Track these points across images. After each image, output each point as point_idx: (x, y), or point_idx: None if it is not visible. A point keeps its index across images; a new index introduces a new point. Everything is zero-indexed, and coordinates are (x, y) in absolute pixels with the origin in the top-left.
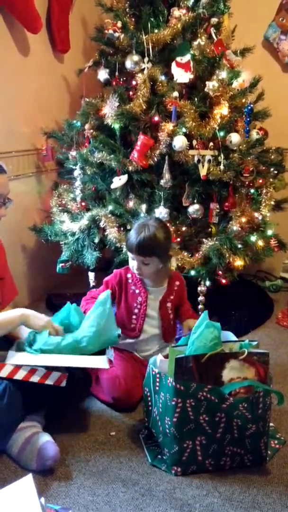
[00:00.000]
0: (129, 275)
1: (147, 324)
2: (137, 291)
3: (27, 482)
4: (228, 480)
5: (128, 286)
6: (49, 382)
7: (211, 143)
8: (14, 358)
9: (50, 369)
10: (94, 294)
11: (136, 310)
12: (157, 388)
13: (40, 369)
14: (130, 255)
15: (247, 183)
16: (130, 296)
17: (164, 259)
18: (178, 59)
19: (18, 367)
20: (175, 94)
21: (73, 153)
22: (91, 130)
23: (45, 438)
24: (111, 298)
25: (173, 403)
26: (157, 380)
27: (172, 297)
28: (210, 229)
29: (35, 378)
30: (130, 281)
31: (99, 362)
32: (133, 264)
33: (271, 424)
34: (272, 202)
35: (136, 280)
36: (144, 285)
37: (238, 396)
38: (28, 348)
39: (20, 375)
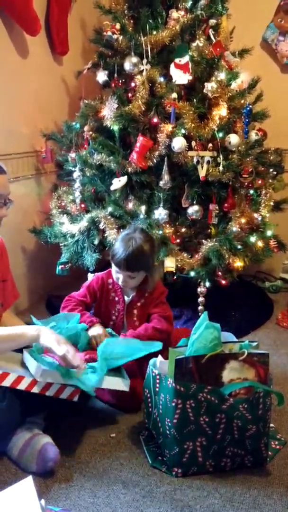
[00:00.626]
0: (110, 281)
1: (124, 331)
2: (116, 298)
3: (27, 484)
4: (229, 481)
5: (108, 292)
6: (63, 396)
7: (210, 144)
8: (42, 373)
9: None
10: (74, 298)
11: (114, 317)
12: (157, 389)
13: (55, 385)
14: (115, 268)
15: (246, 184)
16: (110, 303)
17: (150, 271)
18: (177, 60)
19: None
20: (174, 95)
21: (72, 155)
22: (90, 132)
23: (46, 440)
24: (91, 301)
25: (173, 404)
26: (157, 381)
27: (139, 304)
28: (209, 230)
29: (50, 393)
30: (110, 287)
31: (119, 384)
32: (117, 276)
33: (271, 425)
34: (272, 203)
35: (117, 287)
36: (123, 293)
37: (238, 397)
38: (45, 358)
39: (36, 389)
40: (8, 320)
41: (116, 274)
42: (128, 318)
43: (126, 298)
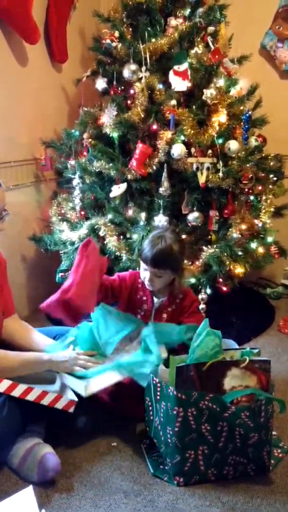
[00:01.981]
0: (140, 280)
1: None
2: (144, 298)
3: (28, 493)
4: (231, 490)
5: (137, 290)
6: (58, 406)
7: (210, 151)
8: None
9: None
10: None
11: (139, 316)
12: (158, 397)
13: (51, 392)
14: (143, 265)
15: (246, 190)
16: (137, 301)
17: (177, 272)
18: (176, 67)
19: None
20: (173, 102)
21: (72, 162)
22: (90, 139)
23: (46, 449)
24: (117, 287)
25: (175, 412)
26: (158, 389)
27: (170, 309)
28: (210, 237)
29: (45, 401)
30: (140, 285)
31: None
32: (145, 275)
33: (273, 432)
34: (272, 209)
35: (146, 287)
36: (153, 294)
37: (240, 405)
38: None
39: (31, 397)
40: (12, 325)
41: (143, 273)
42: (156, 321)
43: (155, 299)
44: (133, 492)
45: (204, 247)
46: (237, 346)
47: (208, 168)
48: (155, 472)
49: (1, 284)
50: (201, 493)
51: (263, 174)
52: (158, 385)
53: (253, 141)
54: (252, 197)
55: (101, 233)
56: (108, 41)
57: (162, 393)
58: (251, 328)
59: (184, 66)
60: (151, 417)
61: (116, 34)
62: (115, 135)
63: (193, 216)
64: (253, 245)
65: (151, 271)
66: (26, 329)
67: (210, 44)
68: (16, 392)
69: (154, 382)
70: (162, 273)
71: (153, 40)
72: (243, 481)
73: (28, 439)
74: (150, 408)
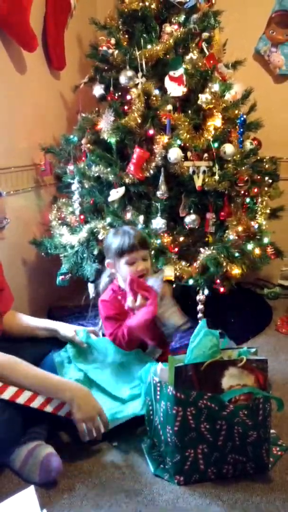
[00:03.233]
0: (119, 291)
1: None
2: (123, 301)
3: (29, 494)
4: (231, 488)
5: (121, 305)
6: (61, 413)
7: (206, 154)
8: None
9: None
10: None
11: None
12: (158, 397)
13: (55, 399)
14: (128, 258)
15: (242, 192)
16: (126, 313)
17: (150, 253)
18: (171, 73)
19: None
20: (169, 107)
21: (70, 167)
22: (88, 145)
23: (48, 450)
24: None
25: (174, 411)
26: (158, 389)
27: None
28: (207, 239)
29: (48, 409)
30: (120, 297)
31: None
32: (132, 268)
33: (272, 431)
34: (268, 211)
35: (122, 293)
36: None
37: (238, 403)
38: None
39: (36, 404)
40: (12, 321)
41: (130, 267)
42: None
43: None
44: (134, 492)
45: (201, 249)
46: (233, 345)
47: (204, 172)
48: (155, 471)
49: (1, 284)
50: (201, 492)
51: (258, 177)
52: (158, 384)
53: (248, 145)
54: (248, 200)
55: (100, 237)
56: (104, 48)
57: (162, 392)
58: (249, 328)
59: (179, 72)
60: (151, 417)
61: (113, 41)
62: (112, 140)
63: (190, 219)
64: (250, 246)
65: (139, 256)
66: (18, 316)
67: (205, 49)
68: (21, 399)
69: (154, 381)
70: (147, 255)
71: (149, 46)
72: (242, 479)
73: (29, 440)
74: (150, 407)
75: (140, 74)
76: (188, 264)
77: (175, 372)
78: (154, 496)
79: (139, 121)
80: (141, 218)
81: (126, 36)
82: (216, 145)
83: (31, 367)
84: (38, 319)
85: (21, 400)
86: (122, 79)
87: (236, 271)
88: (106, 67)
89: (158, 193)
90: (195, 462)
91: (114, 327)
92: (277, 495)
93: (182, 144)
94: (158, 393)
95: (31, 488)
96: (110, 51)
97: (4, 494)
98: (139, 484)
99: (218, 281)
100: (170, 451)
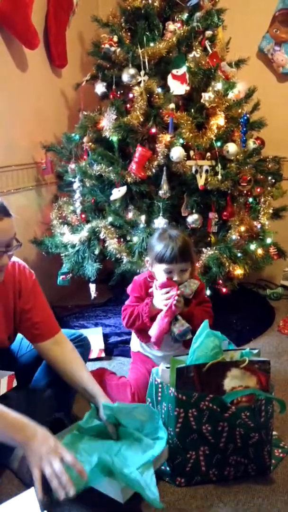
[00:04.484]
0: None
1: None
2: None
3: (30, 495)
4: (233, 490)
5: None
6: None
7: (208, 154)
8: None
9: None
10: (130, 306)
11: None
12: (159, 398)
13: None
14: (166, 268)
15: (245, 192)
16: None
17: (193, 263)
18: (174, 71)
19: None
20: (172, 106)
21: (72, 166)
22: (90, 143)
23: None
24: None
25: (175, 413)
26: (159, 390)
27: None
28: (209, 239)
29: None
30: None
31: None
32: (170, 277)
33: (274, 432)
34: (271, 211)
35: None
36: None
37: (240, 405)
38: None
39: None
40: (60, 357)
41: (168, 276)
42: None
43: None
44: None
45: (203, 249)
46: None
47: (207, 171)
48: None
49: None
50: (203, 494)
51: (261, 176)
52: (160, 386)
53: (251, 144)
54: (251, 199)
55: (102, 236)
56: (107, 45)
57: (163, 394)
58: (251, 329)
59: (182, 70)
60: None
61: (115, 38)
62: (114, 138)
63: (192, 218)
64: (252, 246)
65: (177, 268)
66: (75, 359)
67: (208, 48)
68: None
69: (156, 382)
70: (186, 266)
71: (152, 44)
72: (244, 481)
73: None
74: None
75: (142, 72)
76: None
77: (177, 373)
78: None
79: (142, 119)
80: (143, 217)
81: (129, 34)
82: (219, 144)
83: None
84: (90, 378)
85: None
86: (125, 77)
87: (238, 271)
88: (108, 65)
89: (160, 192)
90: (197, 463)
91: (130, 304)
92: (279, 497)
93: (184, 143)
94: (160, 394)
95: (32, 490)
96: (113, 48)
97: (5, 495)
98: None
99: (220, 281)
100: (171, 452)
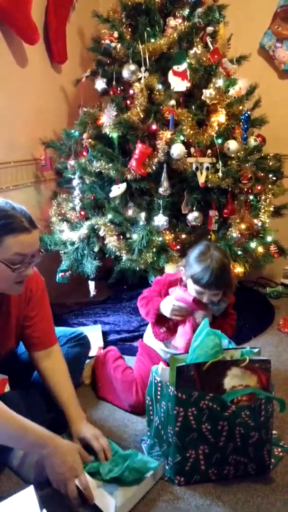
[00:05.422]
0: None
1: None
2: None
3: (29, 494)
4: (232, 489)
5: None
6: None
7: (209, 151)
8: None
9: None
10: (150, 296)
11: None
12: (158, 397)
13: None
14: (199, 289)
15: (245, 189)
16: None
17: (231, 286)
18: (175, 68)
19: None
20: (172, 102)
21: (71, 162)
22: (89, 140)
23: None
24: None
25: (175, 412)
26: (159, 388)
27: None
28: (209, 236)
29: None
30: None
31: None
32: (200, 297)
33: (274, 432)
34: (271, 208)
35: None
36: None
37: (240, 404)
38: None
39: None
40: (49, 372)
41: (199, 295)
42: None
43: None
44: None
45: None
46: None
47: (207, 168)
48: None
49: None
50: (202, 493)
51: (262, 174)
52: (159, 384)
53: (252, 141)
54: (251, 197)
55: (101, 233)
56: (107, 41)
57: (162, 392)
58: (251, 327)
59: (183, 67)
60: (151, 417)
61: (115, 34)
62: (114, 135)
63: (192, 216)
64: (253, 244)
65: (209, 293)
66: (62, 377)
67: (209, 44)
68: None
69: (155, 381)
70: (219, 291)
71: (152, 40)
72: (244, 481)
73: None
74: (151, 407)
75: (143, 68)
76: None
77: (177, 372)
78: (154, 496)
79: (142, 116)
80: (143, 215)
81: (129, 29)
82: (219, 141)
83: (14, 413)
84: (70, 399)
85: None
86: (125, 73)
87: (238, 269)
88: (108, 61)
89: (160, 190)
90: (196, 462)
91: (146, 295)
92: (278, 496)
93: (185, 140)
94: (159, 393)
95: (31, 488)
96: (113, 44)
97: (4, 493)
98: None
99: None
100: (171, 451)
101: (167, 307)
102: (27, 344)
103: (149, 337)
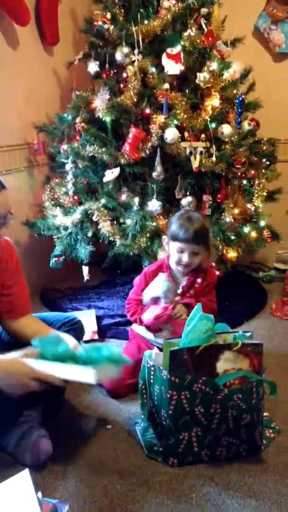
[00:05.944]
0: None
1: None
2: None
3: (24, 477)
4: (224, 470)
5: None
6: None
7: (203, 135)
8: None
9: None
10: (133, 300)
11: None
12: (151, 380)
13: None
14: (179, 246)
15: (239, 174)
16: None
17: (209, 248)
18: (169, 50)
19: None
20: (166, 86)
21: (64, 146)
22: (82, 124)
23: (39, 432)
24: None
25: (168, 395)
26: (152, 372)
27: (188, 295)
28: None
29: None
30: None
31: (86, 375)
32: (181, 256)
33: (265, 414)
34: (265, 193)
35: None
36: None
37: (233, 387)
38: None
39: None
40: (27, 326)
41: (179, 255)
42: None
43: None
44: (128, 473)
45: None
46: (229, 330)
47: (201, 153)
48: (149, 453)
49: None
50: (195, 473)
51: (256, 159)
52: (152, 368)
53: (246, 125)
54: (245, 182)
55: (95, 218)
56: (100, 23)
57: (155, 376)
58: (244, 311)
59: (177, 49)
60: (145, 400)
61: (108, 15)
62: (107, 119)
63: (186, 201)
64: (246, 229)
65: (190, 249)
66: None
67: (203, 26)
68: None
69: (148, 365)
70: (199, 250)
71: (146, 22)
72: (236, 461)
73: (24, 423)
74: (144, 391)
75: (136, 50)
76: None
77: (170, 356)
78: (148, 477)
79: (135, 99)
80: (136, 199)
81: (122, 10)
82: (213, 125)
83: None
84: (49, 329)
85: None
86: (118, 56)
87: (232, 254)
88: (101, 43)
89: (154, 174)
90: (189, 444)
91: (132, 297)
92: (269, 476)
93: (179, 124)
94: (152, 376)
95: (26, 471)
96: (106, 26)
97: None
98: (133, 466)
99: (213, 264)
100: (164, 434)
101: (149, 321)
102: (4, 311)
103: (138, 327)
